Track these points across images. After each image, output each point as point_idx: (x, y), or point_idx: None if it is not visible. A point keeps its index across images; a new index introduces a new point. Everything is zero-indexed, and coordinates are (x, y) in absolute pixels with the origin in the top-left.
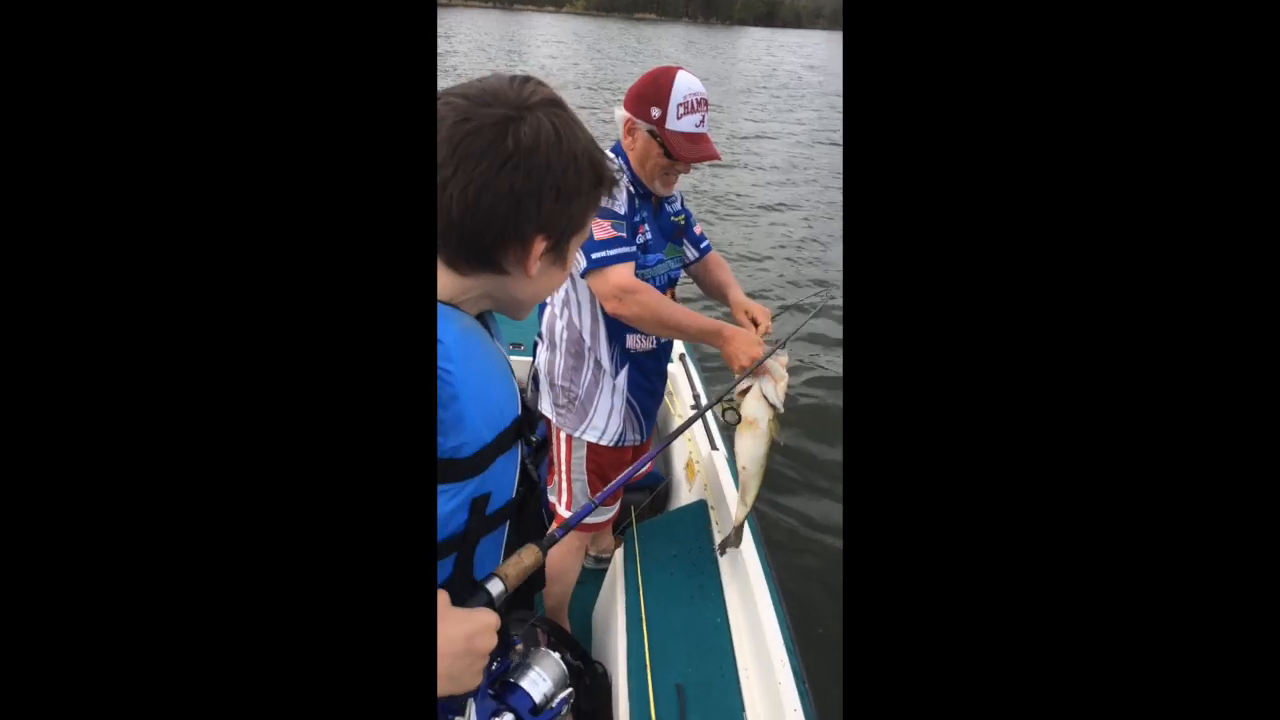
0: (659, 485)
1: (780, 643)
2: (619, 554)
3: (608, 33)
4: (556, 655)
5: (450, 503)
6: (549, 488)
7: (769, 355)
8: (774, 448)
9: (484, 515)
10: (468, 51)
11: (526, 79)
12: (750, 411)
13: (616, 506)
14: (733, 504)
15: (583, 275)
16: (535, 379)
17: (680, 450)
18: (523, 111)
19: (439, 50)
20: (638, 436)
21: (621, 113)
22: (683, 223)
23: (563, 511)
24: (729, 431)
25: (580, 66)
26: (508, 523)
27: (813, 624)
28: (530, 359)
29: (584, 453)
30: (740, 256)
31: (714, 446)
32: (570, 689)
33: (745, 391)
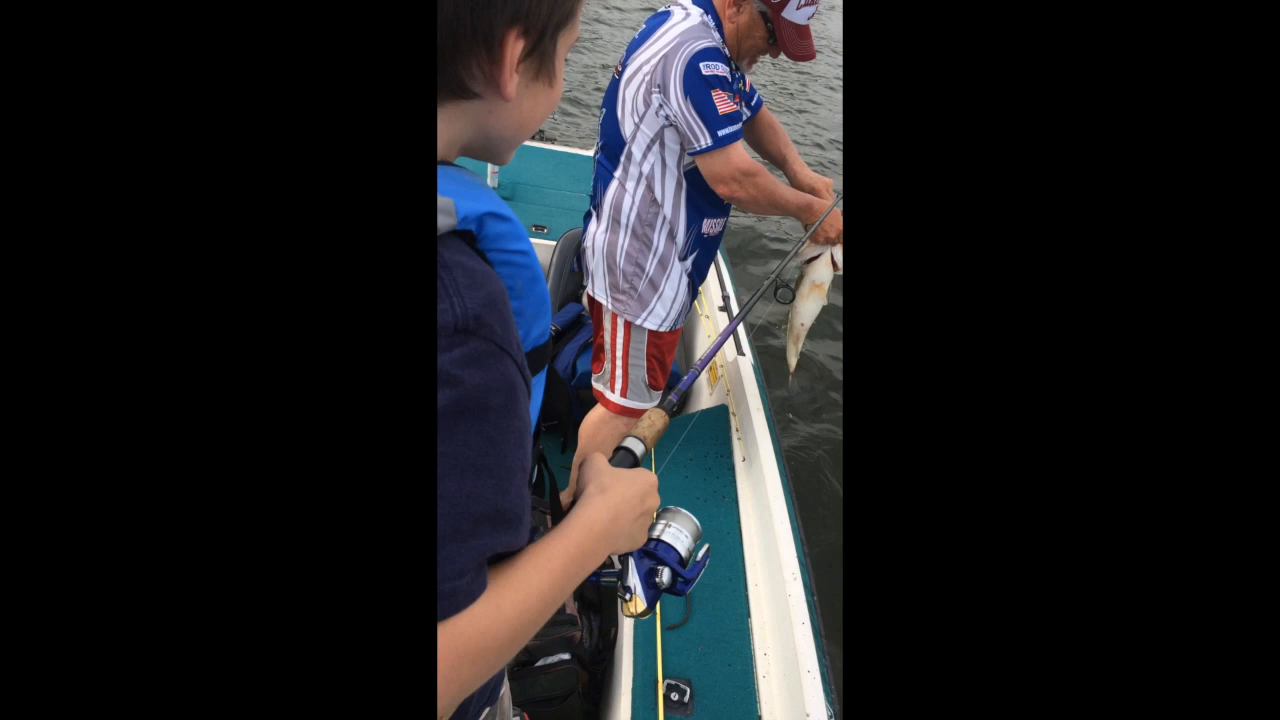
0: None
1: (793, 555)
2: None
3: None
4: (688, 512)
5: (537, 391)
6: (596, 375)
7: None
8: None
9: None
10: None
11: None
12: (820, 276)
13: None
14: (755, 412)
15: (696, 154)
16: (580, 258)
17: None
18: None
19: None
20: (685, 320)
21: None
22: (746, 89)
23: (614, 398)
24: (767, 334)
25: None
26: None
27: (824, 539)
28: (553, 243)
29: (644, 339)
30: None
31: (740, 352)
32: (707, 544)
33: (813, 260)
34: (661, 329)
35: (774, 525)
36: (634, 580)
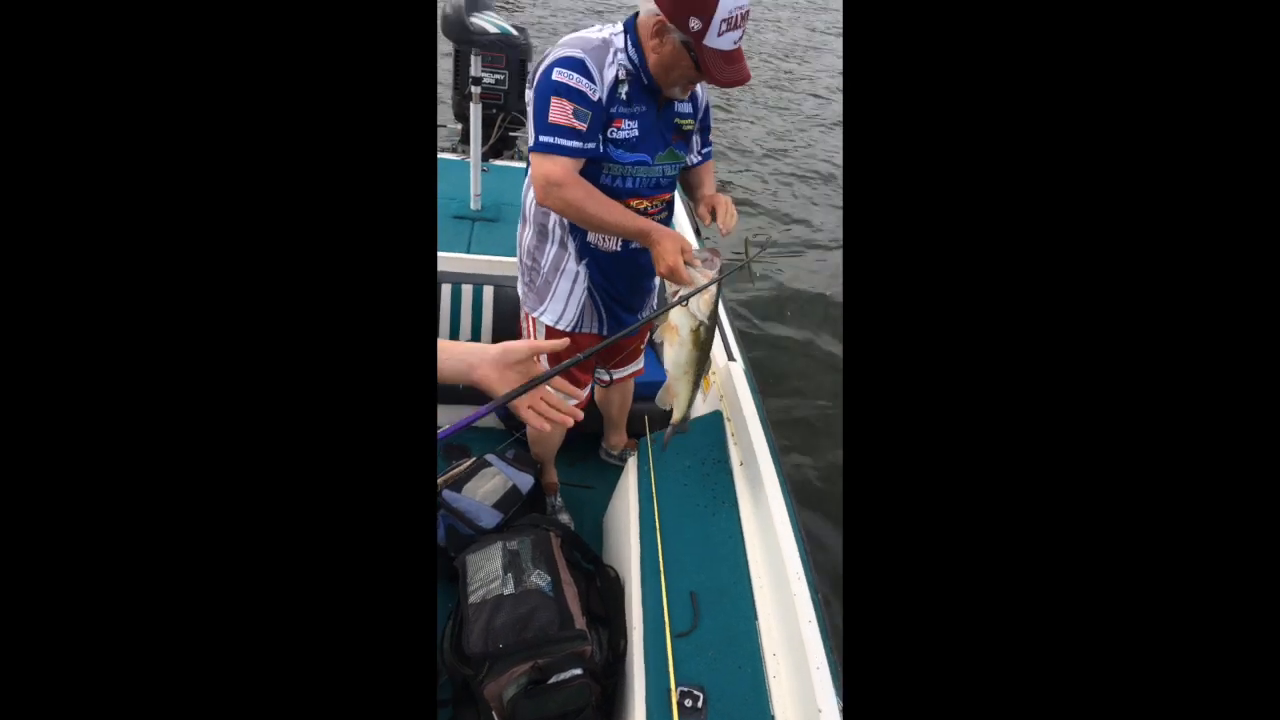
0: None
1: (796, 556)
2: (632, 463)
3: None
4: None
5: None
6: None
7: (711, 260)
8: (702, 359)
9: None
10: None
11: None
12: (673, 318)
13: (586, 392)
14: (750, 416)
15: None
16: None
17: None
18: None
19: None
20: (597, 327)
21: (650, 4)
22: (690, 128)
23: None
24: (745, 342)
25: None
26: None
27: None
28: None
29: (543, 334)
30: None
31: (731, 358)
32: None
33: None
34: (557, 326)
35: (775, 526)
36: None
